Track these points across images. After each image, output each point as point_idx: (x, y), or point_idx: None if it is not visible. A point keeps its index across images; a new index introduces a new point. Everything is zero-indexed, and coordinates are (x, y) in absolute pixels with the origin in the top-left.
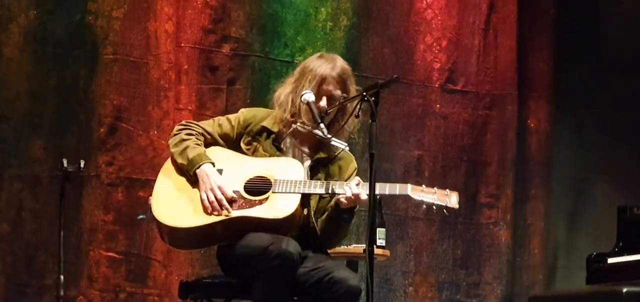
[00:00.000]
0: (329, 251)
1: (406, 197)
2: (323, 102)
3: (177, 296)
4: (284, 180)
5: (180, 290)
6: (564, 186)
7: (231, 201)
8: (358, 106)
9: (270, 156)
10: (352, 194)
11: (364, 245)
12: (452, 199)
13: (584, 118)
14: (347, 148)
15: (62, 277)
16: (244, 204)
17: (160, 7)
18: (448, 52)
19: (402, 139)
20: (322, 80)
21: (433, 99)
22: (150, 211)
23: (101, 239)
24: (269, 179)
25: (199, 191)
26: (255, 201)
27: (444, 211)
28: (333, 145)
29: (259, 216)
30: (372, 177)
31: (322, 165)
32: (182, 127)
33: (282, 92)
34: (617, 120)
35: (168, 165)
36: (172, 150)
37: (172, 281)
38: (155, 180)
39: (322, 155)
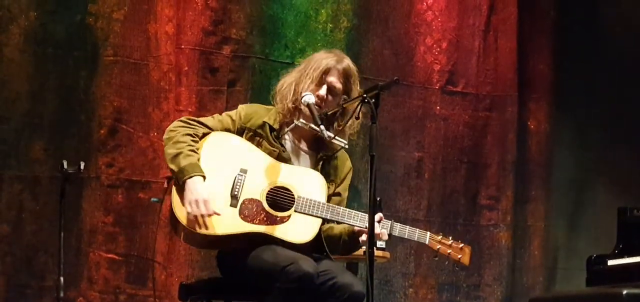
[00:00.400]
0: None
1: (423, 245)
2: (322, 91)
3: (177, 297)
4: (306, 199)
5: (180, 292)
6: (564, 187)
7: (253, 214)
8: (358, 108)
9: (278, 154)
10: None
11: (364, 247)
12: (465, 256)
13: (584, 119)
14: (347, 146)
15: (62, 278)
16: (265, 219)
17: (160, 9)
18: (448, 54)
19: (403, 141)
20: (327, 70)
21: (433, 100)
22: (167, 194)
23: (101, 241)
24: (292, 193)
25: (183, 199)
26: (277, 217)
27: (456, 266)
28: (333, 143)
29: (280, 237)
30: (372, 178)
31: (322, 163)
32: (181, 124)
33: (286, 81)
34: (617, 120)
35: None
36: (166, 150)
37: (172, 283)
38: (155, 181)
39: (322, 154)
